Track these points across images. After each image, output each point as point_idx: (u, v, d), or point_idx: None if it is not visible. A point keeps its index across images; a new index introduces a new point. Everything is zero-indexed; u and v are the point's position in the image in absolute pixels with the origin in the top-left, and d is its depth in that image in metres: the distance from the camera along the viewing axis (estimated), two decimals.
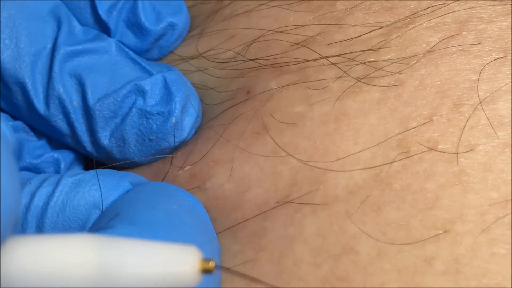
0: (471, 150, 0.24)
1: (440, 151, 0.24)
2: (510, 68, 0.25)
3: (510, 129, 0.24)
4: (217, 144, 0.27)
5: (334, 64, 0.27)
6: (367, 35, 0.27)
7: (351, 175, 0.25)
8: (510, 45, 0.25)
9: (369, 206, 0.24)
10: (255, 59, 0.28)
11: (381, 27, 0.27)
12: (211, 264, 0.17)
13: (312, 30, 0.28)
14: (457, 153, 0.24)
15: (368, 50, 0.27)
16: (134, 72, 0.28)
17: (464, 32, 0.26)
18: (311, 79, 0.27)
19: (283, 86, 0.27)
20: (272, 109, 0.27)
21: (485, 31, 0.26)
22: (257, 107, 0.27)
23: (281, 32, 0.28)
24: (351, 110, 0.26)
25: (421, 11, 0.27)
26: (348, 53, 0.27)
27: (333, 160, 0.25)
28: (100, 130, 0.27)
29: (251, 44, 0.28)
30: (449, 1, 0.26)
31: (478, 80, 0.25)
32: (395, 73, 0.26)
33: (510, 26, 0.26)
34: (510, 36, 0.26)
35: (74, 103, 0.27)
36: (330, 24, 0.27)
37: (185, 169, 0.27)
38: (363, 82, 0.26)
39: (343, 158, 0.25)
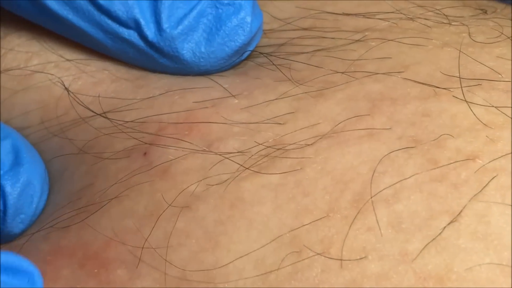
0: (364, 257, 0.21)
1: (328, 257, 0.22)
2: (416, 161, 0.22)
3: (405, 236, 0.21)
4: None
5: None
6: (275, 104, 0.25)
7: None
8: (421, 135, 0.23)
9: None
10: None
11: (290, 96, 0.25)
12: None
13: None
14: (349, 260, 0.21)
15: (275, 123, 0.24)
16: None
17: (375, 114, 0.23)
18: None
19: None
20: None
21: (396, 114, 0.23)
22: None
23: None
24: (247, 195, 0.24)
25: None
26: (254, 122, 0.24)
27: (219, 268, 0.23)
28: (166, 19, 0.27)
29: None
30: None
31: (382, 173, 0.22)
32: (298, 158, 0.23)
33: (423, 113, 0.23)
34: (422, 125, 0.23)
35: None
36: None
37: None
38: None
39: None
